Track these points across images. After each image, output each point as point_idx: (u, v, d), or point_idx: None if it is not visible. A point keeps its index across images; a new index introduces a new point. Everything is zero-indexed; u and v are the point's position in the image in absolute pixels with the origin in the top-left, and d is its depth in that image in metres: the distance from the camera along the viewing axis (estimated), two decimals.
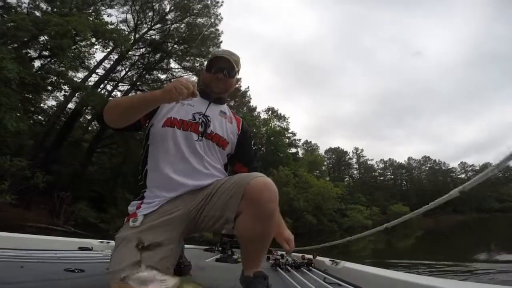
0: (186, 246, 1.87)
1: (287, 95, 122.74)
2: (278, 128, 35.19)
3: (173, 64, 22.27)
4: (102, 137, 19.11)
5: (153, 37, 21.16)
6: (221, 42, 21.36)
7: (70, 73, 15.60)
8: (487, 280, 5.41)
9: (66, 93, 16.26)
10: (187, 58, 21.45)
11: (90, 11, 16.56)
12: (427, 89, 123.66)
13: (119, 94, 21.08)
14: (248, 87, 30.74)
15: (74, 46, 13.77)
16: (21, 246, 1.89)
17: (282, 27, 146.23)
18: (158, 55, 21.52)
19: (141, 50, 21.28)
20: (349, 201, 36.50)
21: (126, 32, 18.45)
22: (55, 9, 13.84)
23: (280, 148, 31.61)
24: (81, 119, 21.37)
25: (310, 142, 58.15)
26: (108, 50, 17.22)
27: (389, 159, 69.55)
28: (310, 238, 21.59)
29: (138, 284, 0.95)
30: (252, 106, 34.17)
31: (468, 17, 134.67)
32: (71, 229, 12.74)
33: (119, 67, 20.54)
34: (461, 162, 70.48)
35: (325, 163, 54.19)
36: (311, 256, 2.51)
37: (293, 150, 38.35)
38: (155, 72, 22.32)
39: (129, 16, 19.80)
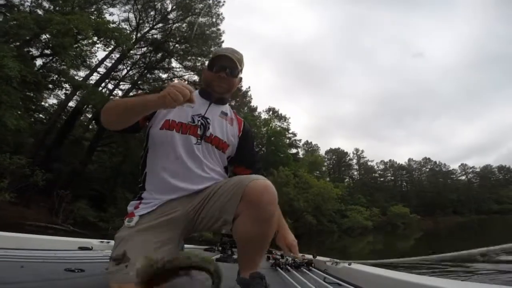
0: (186, 246, 1.86)
1: (287, 95, 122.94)
2: (278, 128, 35.15)
3: (174, 64, 22.33)
4: (103, 136, 19.10)
5: (155, 36, 21.19)
6: (222, 41, 21.40)
7: (72, 71, 15.66)
8: (488, 280, 5.40)
9: (67, 92, 16.28)
10: (189, 58, 21.44)
11: (92, 9, 16.57)
12: (427, 90, 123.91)
13: (120, 93, 21.12)
14: (249, 87, 30.70)
15: (76, 45, 13.79)
16: (22, 246, 1.88)
17: (283, 27, 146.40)
18: (159, 54, 21.52)
19: (142, 49, 21.31)
20: (349, 202, 36.45)
21: (128, 31, 18.48)
22: (57, 8, 13.84)
23: (280, 149, 31.58)
24: (82, 118, 21.41)
25: (311, 142, 58.15)
26: (110, 49, 17.23)
27: (390, 160, 69.66)
28: (310, 238, 21.63)
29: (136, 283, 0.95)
30: (253, 106, 34.14)
31: (469, 17, 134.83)
32: (70, 228, 12.74)
33: (120, 66, 20.58)
34: (462, 164, 70.70)
35: (325, 163, 54.18)
36: (311, 256, 2.50)
37: (294, 150, 38.30)
38: (156, 71, 22.33)
39: (131, 15, 19.85)
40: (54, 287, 1.14)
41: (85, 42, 14.79)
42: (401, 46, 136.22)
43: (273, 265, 2.36)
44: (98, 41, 15.10)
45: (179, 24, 20.81)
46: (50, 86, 15.30)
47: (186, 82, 1.07)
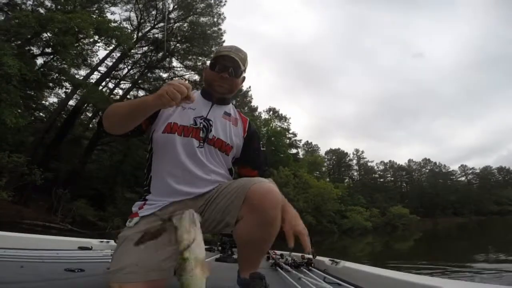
0: None
1: (288, 95, 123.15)
2: (279, 128, 35.13)
3: (175, 63, 22.33)
4: (103, 135, 19.05)
5: (156, 35, 21.19)
6: (223, 41, 21.36)
7: (73, 70, 15.67)
8: (488, 280, 5.41)
9: (67, 90, 16.27)
10: (189, 57, 21.43)
11: (94, 8, 16.57)
12: (427, 90, 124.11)
13: (120, 92, 21.13)
14: (250, 87, 30.68)
15: (77, 44, 13.79)
16: (21, 245, 1.88)
17: (283, 27, 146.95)
18: (160, 54, 21.51)
19: (143, 48, 21.31)
20: (349, 202, 36.39)
21: (129, 30, 18.47)
22: (59, 7, 13.83)
23: (280, 149, 31.57)
24: (82, 117, 21.41)
25: (311, 143, 58.25)
26: (111, 48, 17.23)
27: (389, 161, 69.78)
28: (309, 239, 21.58)
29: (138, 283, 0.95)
30: (253, 106, 34.12)
31: (469, 17, 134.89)
32: (68, 227, 12.72)
33: (121, 65, 20.59)
34: (461, 165, 70.78)
35: (325, 164, 54.13)
36: (311, 256, 2.50)
37: (294, 150, 38.30)
38: (157, 70, 22.32)
39: (132, 14, 19.86)
40: (54, 287, 1.14)
41: (86, 41, 14.81)
42: (401, 46, 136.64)
43: (273, 265, 2.36)
44: (99, 40, 15.11)
45: (180, 23, 20.81)
46: (51, 84, 15.29)
47: (187, 82, 1.04)
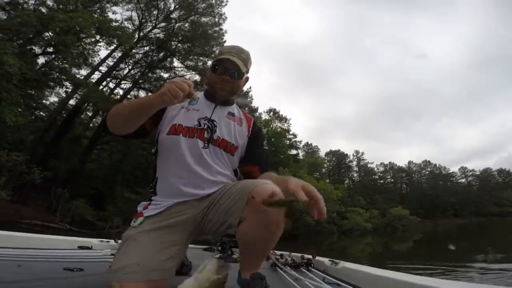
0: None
1: (288, 96, 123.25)
2: (279, 129, 35.12)
3: (176, 63, 22.36)
4: (103, 134, 19.12)
5: (157, 35, 21.21)
6: (224, 41, 21.41)
7: (74, 70, 15.69)
8: (487, 281, 5.40)
9: (67, 90, 16.31)
10: (190, 57, 21.46)
11: (95, 8, 16.60)
12: (428, 91, 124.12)
13: (121, 92, 21.16)
14: (250, 88, 30.70)
15: (78, 43, 13.82)
16: (20, 244, 1.88)
17: (284, 27, 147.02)
18: (161, 54, 21.53)
19: (144, 48, 21.35)
20: (349, 203, 36.35)
21: (131, 30, 18.48)
22: (60, 6, 13.86)
23: (280, 150, 31.55)
24: (82, 116, 21.42)
25: (311, 144, 58.15)
26: (112, 47, 17.26)
27: (389, 162, 69.70)
28: (309, 239, 21.61)
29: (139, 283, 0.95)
30: (254, 107, 34.13)
31: (469, 17, 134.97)
32: (66, 226, 12.72)
33: (122, 65, 20.63)
34: (462, 167, 70.87)
35: (325, 165, 54.08)
36: (310, 256, 2.50)
37: (294, 151, 38.27)
38: (158, 70, 22.35)
39: (134, 14, 19.90)
40: (53, 287, 1.14)
41: (87, 40, 14.84)
42: (401, 47, 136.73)
43: (273, 265, 2.35)
44: (100, 40, 15.13)
45: (182, 23, 20.83)
46: (51, 83, 15.31)
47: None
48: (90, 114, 22.83)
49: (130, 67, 21.43)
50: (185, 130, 1.23)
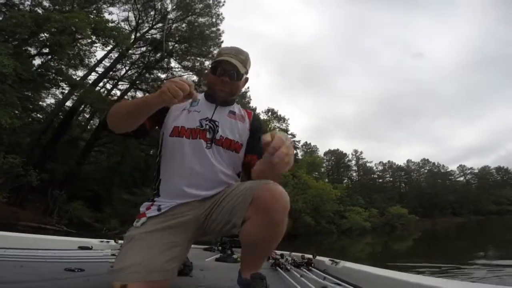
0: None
1: (287, 96, 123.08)
2: (277, 129, 35.13)
3: (173, 64, 22.28)
4: (100, 136, 19.06)
5: (154, 36, 21.16)
6: (222, 41, 21.37)
7: (70, 71, 15.62)
8: (487, 280, 5.42)
9: (63, 91, 16.23)
10: (188, 58, 21.41)
11: (92, 9, 16.53)
12: (427, 90, 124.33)
13: (118, 93, 21.08)
14: (248, 88, 30.67)
15: (74, 43, 13.75)
16: (21, 245, 1.88)
17: (283, 27, 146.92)
18: (158, 54, 21.48)
19: (141, 48, 21.27)
20: (348, 203, 36.42)
21: (128, 31, 18.43)
22: (56, 7, 13.80)
23: None
24: (80, 118, 21.35)
25: (310, 144, 58.23)
26: (109, 48, 17.21)
27: (388, 161, 69.89)
28: (308, 239, 21.64)
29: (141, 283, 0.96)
30: (252, 107, 34.10)
31: (468, 17, 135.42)
32: (63, 228, 12.65)
33: (119, 66, 20.54)
34: (460, 165, 71.02)
35: (324, 164, 54.12)
36: (311, 256, 2.51)
37: None
38: (155, 71, 22.28)
39: (131, 15, 19.80)
40: (54, 287, 1.14)
41: (84, 41, 14.78)
42: (401, 46, 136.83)
43: (273, 265, 2.36)
44: (96, 40, 15.07)
45: (179, 24, 20.80)
46: (47, 84, 15.22)
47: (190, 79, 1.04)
48: (87, 116, 22.79)
49: (127, 68, 21.33)
50: (187, 132, 1.24)
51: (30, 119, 16.96)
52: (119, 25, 16.71)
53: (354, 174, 66.60)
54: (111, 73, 19.96)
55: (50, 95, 18.50)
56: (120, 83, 21.38)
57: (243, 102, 30.85)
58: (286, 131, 36.83)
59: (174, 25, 20.68)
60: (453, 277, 5.76)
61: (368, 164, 67.29)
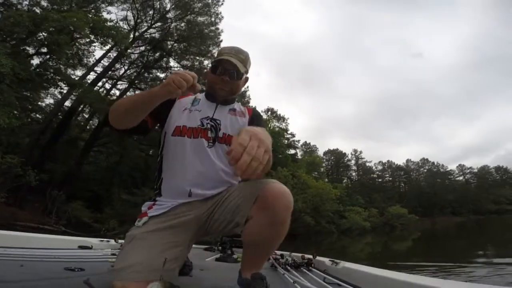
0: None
1: (286, 96, 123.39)
2: (277, 129, 35.13)
3: (172, 63, 22.24)
4: (99, 136, 19.04)
5: (153, 35, 21.12)
6: (221, 41, 21.37)
7: (68, 70, 15.58)
8: (486, 280, 5.42)
9: (62, 90, 16.16)
10: (187, 57, 21.39)
11: (90, 8, 16.49)
12: (426, 90, 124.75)
13: (117, 92, 21.07)
14: (248, 87, 30.68)
15: (72, 42, 13.72)
16: (21, 244, 1.88)
17: (282, 26, 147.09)
18: (157, 54, 21.46)
19: (140, 48, 21.21)
20: (347, 202, 36.45)
21: (126, 30, 18.38)
22: (54, 6, 13.76)
23: (279, 149, 31.50)
24: (79, 118, 21.31)
25: (309, 143, 58.35)
26: (107, 47, 17.16)
27: (388, 161, 70.11)
28: (308, 239, 21.63)
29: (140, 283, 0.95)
30: (252, 106, 33.97)
31: (468, 17, 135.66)
32: (61, 229, 12.59)
33: (118, 65, 20.51)
34: (459, 165, 71.18)
35: (323, 164, 54.20)
36: (311, 256, 2.50)
37: (292, 151, 38.29)
38: (154, 70, 22.26)
39: (129, 14, 19.77)
40: (53, 286, 1.13)
41: (82, 41, 14.74)
42: (400, 46, 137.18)
43: (273, 265, 2.36)
44: (95, 40, 15.03)
45: (178, 23, 20.77)
46: (46, 84, 15.18)
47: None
48: (86, 116, 22.76)
49: (126, 67, 21.29)
50: (189, 131, 1.24)
51: (29, 119, 16.94)
52: (117, 24, 16.69)
53: (354, 173, 66.86)
54: (110, 72, 19.94)
55: (48, 95, 18.52)
56: (119, 82, 21.42)
57: (242, 101, 30.86)
58: (285, 130, 36.89)
59: (173, 24, 20.68)
60: (454, 276, 5.76)
61: (367, 164, 67.61)
